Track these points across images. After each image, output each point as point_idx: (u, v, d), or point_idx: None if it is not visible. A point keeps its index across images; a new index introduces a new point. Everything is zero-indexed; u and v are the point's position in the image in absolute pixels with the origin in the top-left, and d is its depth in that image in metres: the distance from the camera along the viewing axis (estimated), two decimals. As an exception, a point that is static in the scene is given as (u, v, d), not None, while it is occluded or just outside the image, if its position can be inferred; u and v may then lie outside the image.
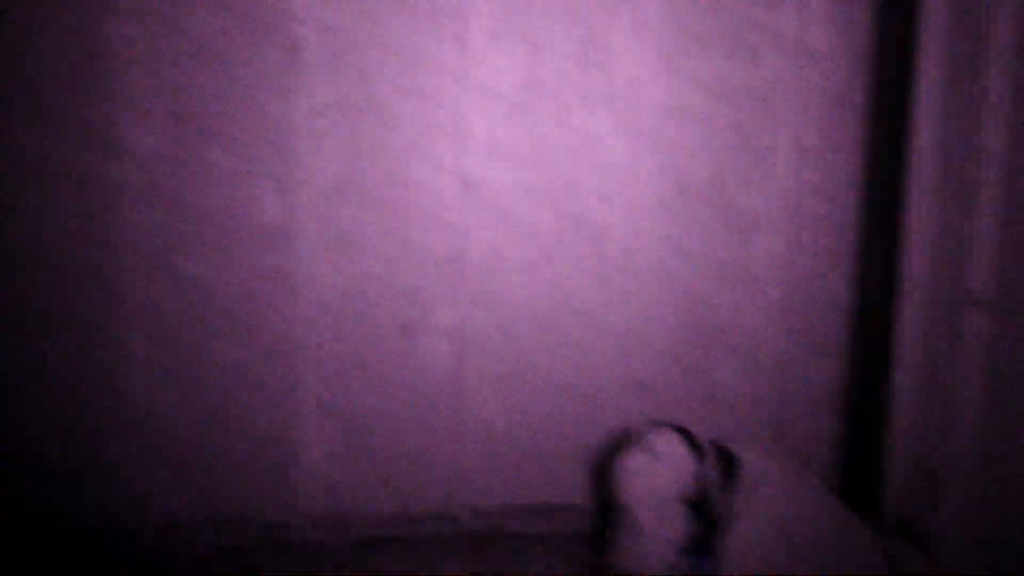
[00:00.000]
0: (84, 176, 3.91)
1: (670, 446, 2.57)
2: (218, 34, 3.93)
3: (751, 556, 2.60)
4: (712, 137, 4.18)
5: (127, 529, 4.02)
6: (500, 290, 4.12)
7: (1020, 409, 3.27)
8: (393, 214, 4.05)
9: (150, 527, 4.06)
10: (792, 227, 4.18)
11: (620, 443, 2.63)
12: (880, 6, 4.13)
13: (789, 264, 4.19)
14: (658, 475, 2.56)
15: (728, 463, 2.68)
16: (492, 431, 4.16)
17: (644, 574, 2.74)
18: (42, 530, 3.99)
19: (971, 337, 3.49)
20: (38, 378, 3.97)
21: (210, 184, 3.97)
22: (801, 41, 4.18)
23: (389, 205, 4.04)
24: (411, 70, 4.02)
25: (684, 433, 2.60)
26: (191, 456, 4.08)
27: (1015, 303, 3.34)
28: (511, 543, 4.15)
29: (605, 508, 2.73)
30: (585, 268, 4.15)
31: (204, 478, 4.09)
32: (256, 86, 3.96)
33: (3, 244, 3.89)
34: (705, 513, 2.63)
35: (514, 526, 4.18)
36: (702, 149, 4.18)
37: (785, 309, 4.22)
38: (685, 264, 4.17)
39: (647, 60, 4.09)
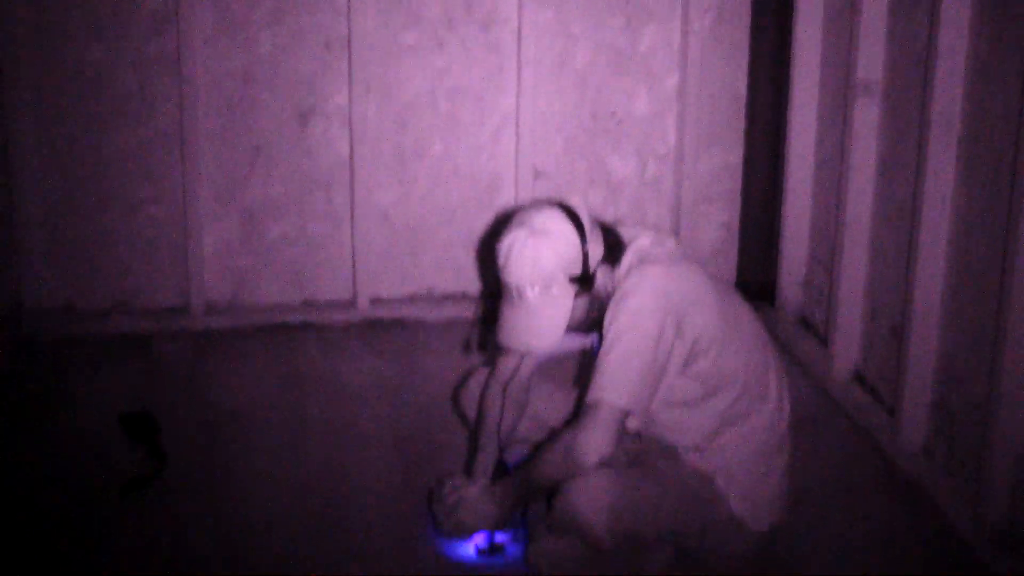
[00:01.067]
0: None
1: (551, 222, 2.53)
2: None
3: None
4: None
5: (19, 314, 3.93)
6: (393, 75, 4.05)
7: (903, 196, 3.29)
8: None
9: (44, 312, 3.97)
10: (684, 15, 4.12)
11: (503, 224, 2.59)
12: None
13: (683, 53, 4.13)
14: (538, 250, 2.52)
15: (617, 245, 2.65)
16: (389, 219, 4.13)
17: (531, 350, 2.73)
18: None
19: (861, 125, 3.48)
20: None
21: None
22: None
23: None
24: None
25: (566, 210, 2.56)
26: (85, 242, 4.04)
27: (903, 90, 3.34)
28: (410, 329, 4.18)
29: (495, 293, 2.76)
30: (478, 56, 4.07)
31: (100, 264, 4.07)
32: None
33: None
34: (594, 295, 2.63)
35: (413, 313, 4.17)
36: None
37: (680, 98, 4.17)
38: (580, 52, 4.10)
39: None
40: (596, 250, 2.53)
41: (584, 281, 2.51)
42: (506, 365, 2.87)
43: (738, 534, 2.69)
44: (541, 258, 2.48)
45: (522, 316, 2.54)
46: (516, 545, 2.77)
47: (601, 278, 2.57)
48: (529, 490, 2.66)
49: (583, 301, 2.55)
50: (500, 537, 2.77)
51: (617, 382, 2.48)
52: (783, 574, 2.75)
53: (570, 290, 2.51)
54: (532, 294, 2.51)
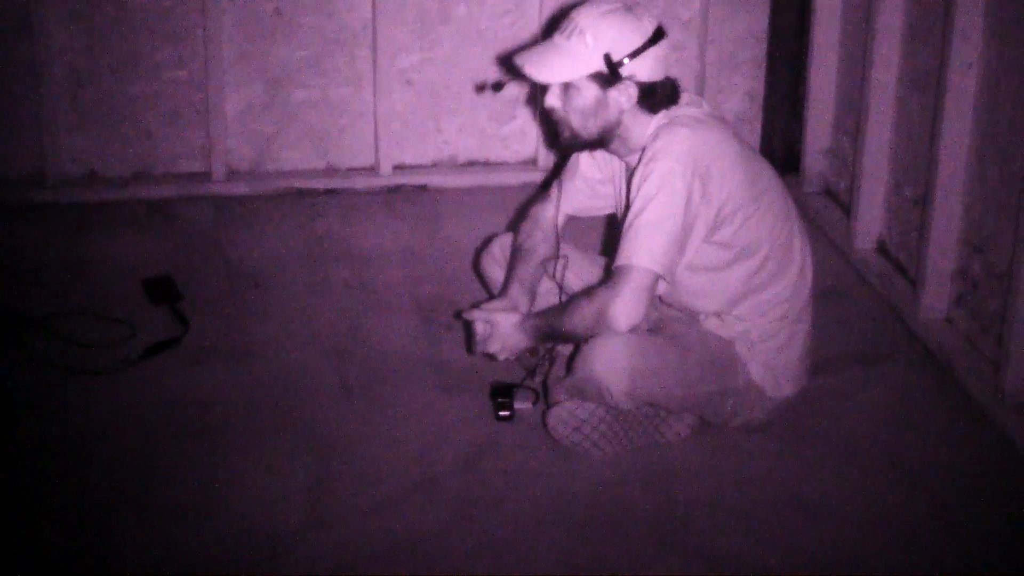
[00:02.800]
0: None
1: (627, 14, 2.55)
2: None
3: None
4: None
5: (44, 180, 3.93)
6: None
7: (929, 62, 3.24)
8: None
9: (68, 178, 3.99)
10: None
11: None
12: None
13: None
14: (598, 17, 2.53)
15: (668, 97, 2.64)
16: (411, 83, 4.10)
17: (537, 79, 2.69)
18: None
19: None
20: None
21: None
22: None
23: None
24: None
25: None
26: (109, 106, 4.04)
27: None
28: (432, 195, 4.16)
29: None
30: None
31: (123, 129, 4.06)
32: None
33: None
34: None
35: (436, 180, 4.15)
36: None
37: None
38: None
39: None
40: (642, 68, 2.51)
41: (610, 74, 2.49)
42: (544, 213, 2.84)
43: (758, 401, 2.71)
44: (596, 25, 2.47)
45: (548, 50, 2.53)
46: (535, 409, 2.78)
47: (630, 120, 2.55)
48: (555, 335, 2.69)
49: (595, 94, 2.53)
50: (520, 403, 2.79)
51: (649, 247, 2.48)
52: (802, 442, 2.75)
53: (595, 66, 2.50)
54: (562, 39, 2.50)
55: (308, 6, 3.98)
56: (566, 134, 2.61)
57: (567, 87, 2.55)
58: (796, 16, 4.01)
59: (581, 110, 2.56)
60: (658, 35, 2.53)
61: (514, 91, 4.09)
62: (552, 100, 2.57)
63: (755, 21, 4.14)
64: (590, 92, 2.54)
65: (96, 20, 3.93)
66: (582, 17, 2.51)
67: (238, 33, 3.97)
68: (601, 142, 2.62)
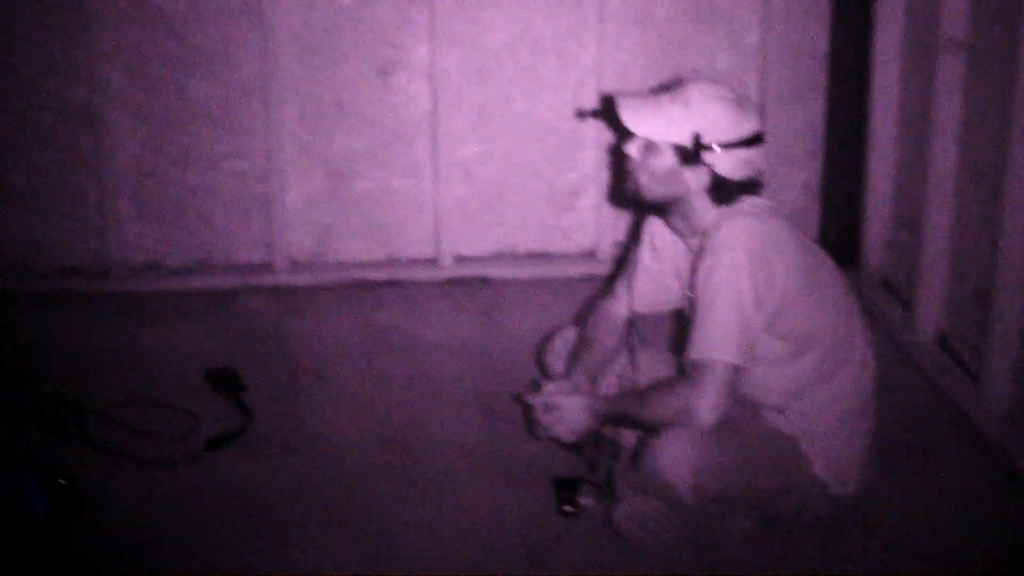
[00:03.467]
0: None
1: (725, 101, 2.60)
2: None
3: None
4: None
5: (106, 269, 3.98)
6: (474, 28, 4.03)
7: (989, 156, 3.24)
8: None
9: (129, 267, 4.02)
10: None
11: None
12: None
13: (765, 8, 4.08)
14: (697, 95, 2.56)
15: (744, 188, 2.66)
16: (471, 174, 4.13)
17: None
18: (18, 265, 3.96)
19: (945, 83, 3.44)
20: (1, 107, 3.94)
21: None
22: None
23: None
24: None
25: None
26: (170, 197, 4.08)
27: (988, 45, 3.28)
28: (493, 287, 4.18)
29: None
30: (561, 9, 4.04)
31: (184, 219, 4.09)
32: None
33: None
34: None
35: (496, 271, 4.18)
36: None
37: (762, 54, 4.13)
38: (661, 6, 4.06)
39: None
40: (725, 161, 2.53)
41: (692, 153, 2.51)
42: (610, 309, 2.90)
43: (822, 497, 2.69)
44: (701, 103, 2.50)
45: (648, 104, 2.55)
46: (599, 504, 2.77)
47: (696, 200, 2.57)
48: (627, 419, 2.70)
49: (671, 164, 2.55)
50: (584, 499, 2.78)
51: (724, 338, 2.49)
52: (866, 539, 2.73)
53: (682, 139, 2.52)
54: (665, 100, 2.53)
55: (369, 98, 4.03)
56: (631, 187, 2.63)
57: (650, 144, 2.57)
58: (853, 109, 4.01)
59: (653, 172, 2.58)
60: (754, 139, 2.55)
61: (574, 180, 4.12)
62: (632, 150, 2.60)
63: (812, 114, 4.15)
64: (667, 160, 2.56)
65: (158, 112, 3.99)
66: (693, 89, 2.55)
67: (299, 125, 4.02)
68: (660, 209, 2.64)
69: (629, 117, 2.58)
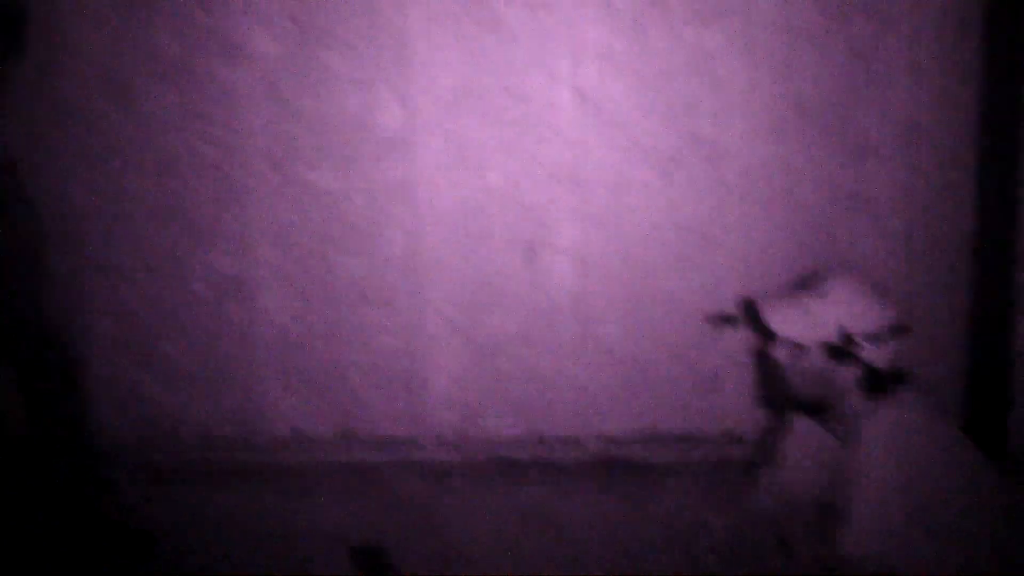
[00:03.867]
0: (201, 77, 3.88)
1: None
2: None
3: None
4: (827, 57, 4.05)
5: (250, 441, 3.99)
6: (619, 209, 4.04)
7: None
8: (512, 127, 3.98)
9: (273, 439, 4.02)
10: (911, 153, 4.08)
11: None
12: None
13: (910, 192, 4.09)
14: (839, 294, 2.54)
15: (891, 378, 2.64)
16: (615, 354, 4.11)
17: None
18: (164, 435, 3.97)
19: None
20: (154, 275, 4.04)
21: (331, 91, 3.94)
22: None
23: (507, 118, 3.96)
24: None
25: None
26: (316, 369, 4.08)
27: None
28: (639, 472, 4.12)
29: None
30: (703, 189, 4.07)
31: (330, 392, 4.10)
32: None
33: (116, 141, 3.82)
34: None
35: (640, 453, 4.14)
36: (818, 69, 4.06)
37: (908, 240, 4.12)
38: (804, 190, 4.08)
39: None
40: (876, 353, 2.51)
41: (842, 349, 2.48)
42: (758, 500, 2.84)
43: None
44: (843, 298, 2.48)
45: (790, 304, 2.51)
46: None
47: (851, 399, 2.55)
48: None
49: (821, 363, 2.52)
50: None
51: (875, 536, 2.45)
52: None
53: (830, 336, 2.49)
54: (807, 298, 2.49)
55: (514, 277, 4.06)
56: (783, 392, 2.61)
57: (797, 346, 2.56)
58: (999, 295, 4.00)
59: (802, 373, 2.56)
60: (900, 329, 2.53)
61: (718, 363, 4.10)
62: (779, 353, 2.58)
63: (956, 302, 4.13)
64: (817, 359, 2.54)
65: (306, 285, 4.01)
66: (834, 283, 2.54)
67: (445, 302, 4.03)
68: (815, 409, 2.61)
69: (775, 321, 2.57)
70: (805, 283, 2.64)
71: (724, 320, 3.74)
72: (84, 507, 3.51)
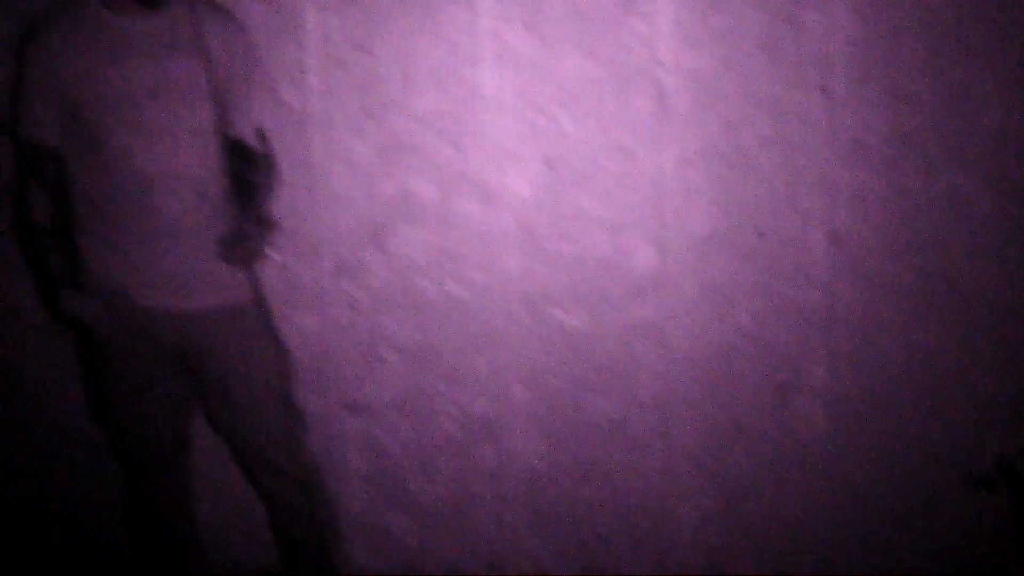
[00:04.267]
0: (453, 218, 3.91)
1: None
2: (586, 82, 3.82)
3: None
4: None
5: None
6: (870, 351, 4.02)
7: None
8: (762, 268, 3.97)
9: (516, 577, 4.04)
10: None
11: None
12: None
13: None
14: None
15: None
16: (866, 499, 4.08)
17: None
18: (413, 573, 4.03)
19: None
20: (406, 415, 4.07)
21: (585, 233, 3.93)
22: None
23: (758, 259, 3.95)
24: (775, 120, 3.90)
25: None
26: (564, 510, 4.07)
27: None
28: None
29: None
30: (955, 332, 4.03)
31: (576, 533, 4.10)
32: (625, 135, 3.86)
33: (372, 283, 3.90)
34: None
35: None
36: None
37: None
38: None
39: (1018, 110, 3.92)
40: None
41: None
42: None
43: None
44: None
45: None
46: None
47: None
48: None
49: None
50: None
51: None
52: None
53: None
54: None
55: (765, 419, 4.14)
56: None
57: None
58: None
59: None
60: None
61: (970, 520, 4.06)
62: None
63: None
64: None
65: (555, 425, 4.07)
66: None
67: (695, 444, 4.08)
68: None
69: None
70: None
71: (982, 482, 3.67)
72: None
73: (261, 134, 3.43)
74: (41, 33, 3.28)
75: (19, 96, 3.32)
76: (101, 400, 3.44)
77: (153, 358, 3.36)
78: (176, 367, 3.38)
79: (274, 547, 3.67)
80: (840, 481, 4.08)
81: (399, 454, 4.05)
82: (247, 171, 3.38)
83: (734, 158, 3.97)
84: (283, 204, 3.77)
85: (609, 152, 3.94)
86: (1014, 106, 3.98)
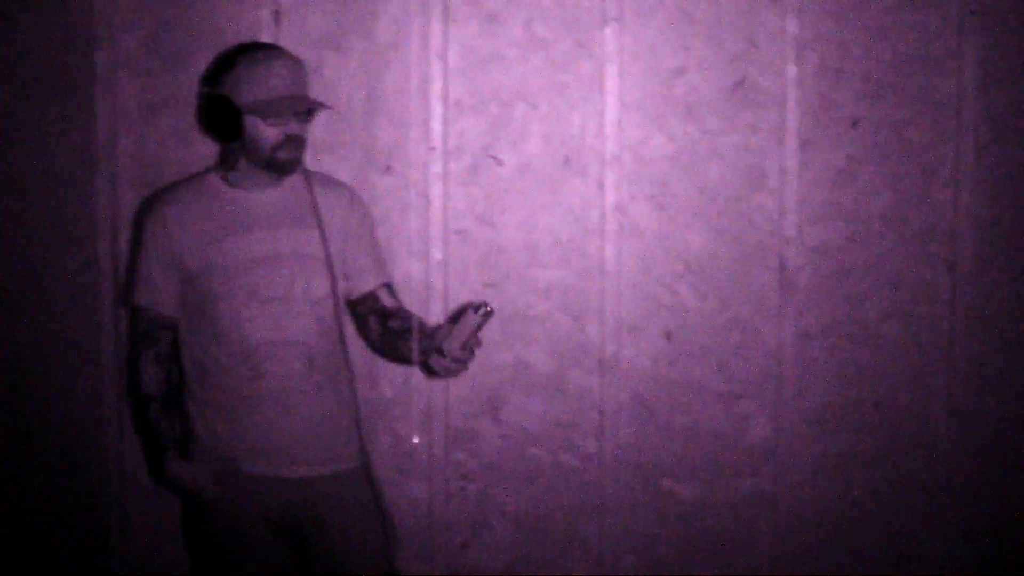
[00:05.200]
0: (569, 388, 3.93)
1: None
2: (710, 256, 3.88)
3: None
4: None
5: None
6: (988, 525, 4.01)
7: None
8: (879, 441, 3.94)
9: None
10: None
11: None
12: None
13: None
14: None
15: None
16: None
17: None
18: None
19: None
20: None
21: (701, 404, 3.93)
22: None
23: (876, 431, 3.93)
24: (899, 294, 3.85)
25: None
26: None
27: None
28: None
29: None
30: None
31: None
32: (746, 308, 3.82)
33: (486, 452, 3.93)
34: None
35: None
36: None
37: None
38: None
39: None
40: None
41: None
42: None
43: None
44: None
45: None
46: None
47: None
48: None
49: None
50: None
51: None
52: None
53: None
54: None
55: None
56: None
57: None
58: None
59: None
60: None
61: None
62: None
63: None
64: None
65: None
66: None
67: None
68: None
69: None
70: None
71: None
72: None
73: (390, 289, 3.47)
74: (161, 206, 3.30)
75: (138, 266, 3.33)
76: (206, 565, 3.42)
77: (258, 524, 3.34)
78: (281, 533, 3.36)
79: None
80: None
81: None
82: (391, 322, 3.39)
83: (855, 331, 3.91)
84: (398, 373, 3.80)
85: (728, 325, 3.86)
86: None
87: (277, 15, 3.71)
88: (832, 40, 3.80)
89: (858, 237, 3.87)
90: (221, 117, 3.21)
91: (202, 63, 3.63)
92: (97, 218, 3.76)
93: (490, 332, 3.74)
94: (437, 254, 3.79)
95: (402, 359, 3.37)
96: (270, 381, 3.27)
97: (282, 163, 3.23)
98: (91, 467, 3.78)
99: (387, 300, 3.43)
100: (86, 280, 3.74)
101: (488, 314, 3.02)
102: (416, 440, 3.75)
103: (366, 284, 3.43)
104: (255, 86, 3.17)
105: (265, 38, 3.66)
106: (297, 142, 3.23)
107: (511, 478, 3.93)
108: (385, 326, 3.38)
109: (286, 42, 3.62)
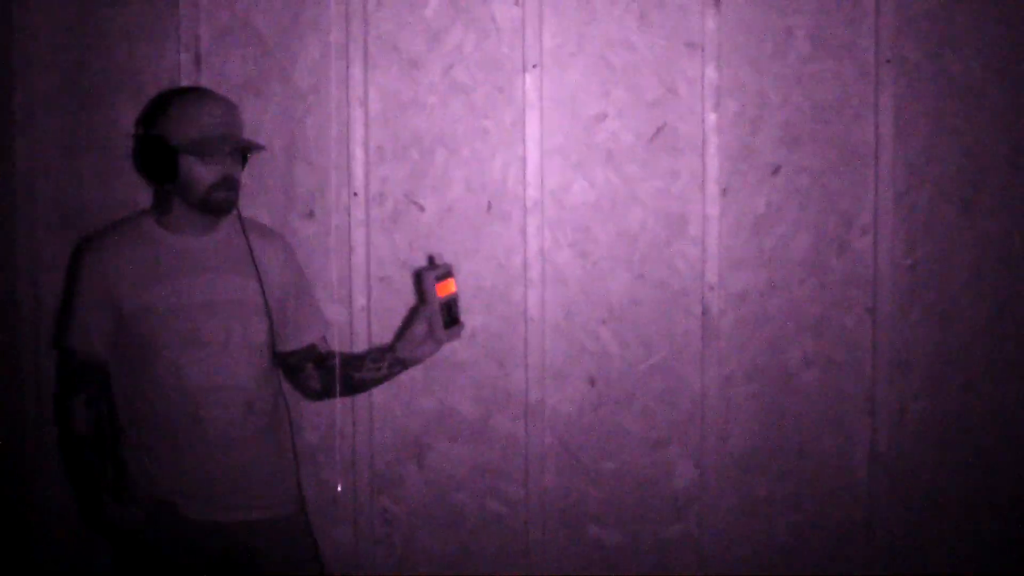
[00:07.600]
0: (493, 435, 3.95)
1: None
2: (632, 303, 3.90)
3: None
4: None
5: None
6: (909, 568, 4.01)
7: None
8: (802, 485, 3.96)
9: None
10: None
11: None
12: None
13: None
14: None
15: None
16: None
17: None
18: None
19: None
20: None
21: (626, 450, 3.95)
22: None
23: (799, 475, 3.95)
24: (820, 340, 3.92)
25: None
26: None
27: None
28: None
29: None
30: (997, 550, 4.02)
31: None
32: (669, 354, 3.91)
33: (404, 494, 3.93)
34: None
35: None
36: None
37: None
38: None
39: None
40: None
41: None
42: None
43: None
44: None
45: None
46: None
47: None
48: None
49: None
50: None
51: None
52: None
53: None
54: None
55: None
56: None
57: None
58: None
59: None
60: None
61: None
62: None
63: None
64: None
65: None
66: None
67: None
68: None
69: None
70: None
71: None
72: None
73: (324, 340, 3.51)
74: (96, 248, 3.28)
75: (70, 308, 3.31)
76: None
77: (195, 567, 3.31)
78: (219, 576, 3.35)
79: None
80: None
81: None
82: (327, 365, 3.44)
83: (777, 377, 3.93)
84: (322, 419, 3.83)
85: (652, 371, 3.88)
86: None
87: (198, 59, 3.71)
88: (751, 88, 3.84)
89: (779, 283, 3.89)
90: (156, 158, 3.20)
91: (122, 105, 3.64)
92: (16, 260, 3.73)
93: (415, 377, 3.74)
94: (360, 300, 3.79)
95: (363, 386, 3.45)
96: (208, 426, 3.27)
97: (217, 203, 3.22)
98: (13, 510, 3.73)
99: (323, 347, 3.47)
100: (7, 322, 3.70)
101: (443, 268, 3.17)
102: (340, 488, 3.73)
103: (308, 337, 3.46)
104: (190, 125, 3.18)
105: (185, 82, 3.67)
106: (231, 183, 3.23)
107: (436, 524, 3.92)
108: (327, 367, 3.41)
109: (206, 86, 3.62)
